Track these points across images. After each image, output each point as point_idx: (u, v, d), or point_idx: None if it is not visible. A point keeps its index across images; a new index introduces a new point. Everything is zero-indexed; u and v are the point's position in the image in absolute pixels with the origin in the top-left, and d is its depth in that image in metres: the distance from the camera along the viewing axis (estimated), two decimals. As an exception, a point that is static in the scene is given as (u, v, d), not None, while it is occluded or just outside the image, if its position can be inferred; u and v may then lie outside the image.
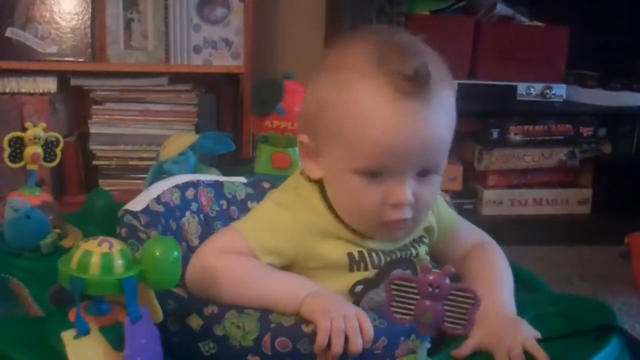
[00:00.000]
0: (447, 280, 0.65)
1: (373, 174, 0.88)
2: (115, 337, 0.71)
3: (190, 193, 1.08)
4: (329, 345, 0.78)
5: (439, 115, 0.88)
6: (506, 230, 2.20)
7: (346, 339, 0.78)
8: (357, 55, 0.89)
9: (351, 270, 0.92)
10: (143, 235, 0.96)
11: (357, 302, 0.91)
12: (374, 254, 0.93)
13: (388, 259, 0.94)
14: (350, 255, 0.92)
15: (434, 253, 1.01)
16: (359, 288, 0.92)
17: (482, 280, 0.92)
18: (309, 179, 0.96)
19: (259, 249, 0.91)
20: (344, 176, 0.90)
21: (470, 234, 1.05)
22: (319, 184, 0.95)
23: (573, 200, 2.44)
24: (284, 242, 0.92)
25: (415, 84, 0.85)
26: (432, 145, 0.88)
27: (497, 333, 0.82)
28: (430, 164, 0.90)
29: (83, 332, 0.70)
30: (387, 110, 0.86)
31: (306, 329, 0.80)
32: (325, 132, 0.91)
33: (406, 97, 0.85)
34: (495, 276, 0.94)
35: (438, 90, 0.87)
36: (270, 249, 0.92)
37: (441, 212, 1.03)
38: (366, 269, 0.93)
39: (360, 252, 0.93)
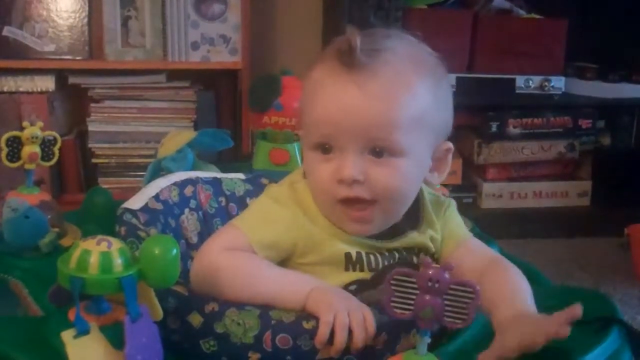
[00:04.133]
0: (447, 275, 0.65)
1: (324, 149, 0.91)
2: (115, 336, 0.70)
3: (188, 190, 1.08)
4: (330, 340, 0.78)
5: (385, 90, 0.88)
6: (506, 223, 2.24)
7: (349, 334, 0.78)
8: (327, 49, 0.95)
9: (347, 269, 0.92)
10: (142, 234, 0.96)
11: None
12: (371, 256, 0.93)
13: (386, 262, 0.93)
14: (347, 254, 0.92)
15: None
16: (352, 288, 0.91)
17: (505, 295, 0.86)
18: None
19: (257, 243, 0.91)
20: (307, 155, 0.94)
21: (485, 252, 1.00)
22: None
23: (572, 193, 2.44)
24: (281, 236, 0.92)
25: (350, 57, 0.88)
26: (373, 119, 0.88)
27: (531, 330, 0.75)
28: (380, 142, 0.89)
29: (83, 331, 0.70)
30: (330, 84, 0.90)
31: (307, 325, 0.80)
32: (300, 118, 0.96)
33: (348, 71, 0.89)
34: (518, 291, 0.88)
35: (386, 66, 0.89)
36: (268, 244, 0.92)
37: (452, 222, 1.01)
38: (362, 269, 0.92)
39: (358, 253, 0.92)
